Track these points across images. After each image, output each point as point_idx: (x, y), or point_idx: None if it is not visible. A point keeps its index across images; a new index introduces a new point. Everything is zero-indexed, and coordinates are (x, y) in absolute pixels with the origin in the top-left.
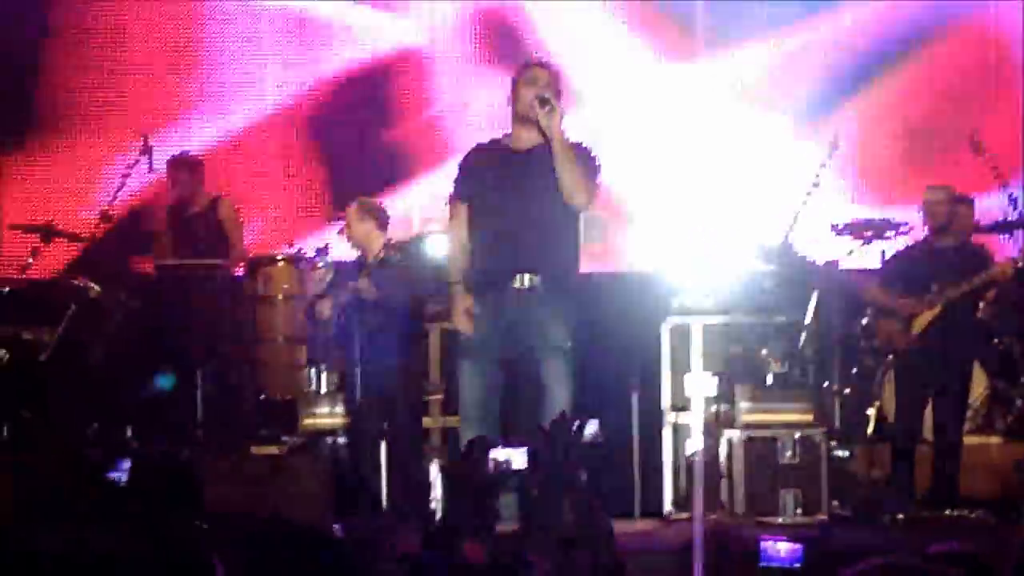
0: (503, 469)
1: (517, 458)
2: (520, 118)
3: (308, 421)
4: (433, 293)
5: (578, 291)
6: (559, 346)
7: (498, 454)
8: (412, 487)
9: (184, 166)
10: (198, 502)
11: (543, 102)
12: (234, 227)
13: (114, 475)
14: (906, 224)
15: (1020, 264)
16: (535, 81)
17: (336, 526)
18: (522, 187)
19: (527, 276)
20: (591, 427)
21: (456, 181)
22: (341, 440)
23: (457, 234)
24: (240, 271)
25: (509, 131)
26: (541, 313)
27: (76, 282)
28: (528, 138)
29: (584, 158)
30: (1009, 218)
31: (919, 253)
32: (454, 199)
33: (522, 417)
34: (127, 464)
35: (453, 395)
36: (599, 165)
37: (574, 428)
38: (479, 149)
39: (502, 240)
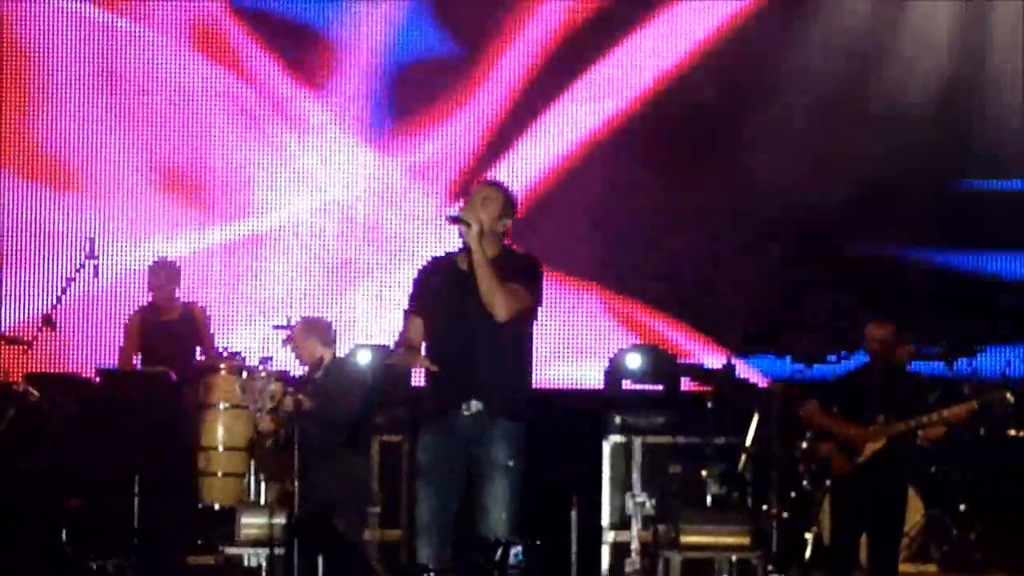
0: None
1: None
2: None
3: (247, 531)
4: (368, 407)
5: (526, 409)
6: (503, 465)
7: None
8: None
9: (163, 270)
10: None
11: (453, 220)
12: (206, 331)
13: None
14: (844, 353)
15: (976, 405)
16: (468, 199)
17: None
18: (467, 307)
19: (474, 402)
20: (515, 552)
21: (410, 296)
22: (279, 551)
23: (406, 337)
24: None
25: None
26: (489, 434)
27: (16, 387)
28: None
29: (516, 268)
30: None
31: (862, 380)
32: (408, 314)
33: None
34: None
35: (392, 508)
36: (539, 272)
37: (499, 553)
38: (433, 264)
39: (450, 363)
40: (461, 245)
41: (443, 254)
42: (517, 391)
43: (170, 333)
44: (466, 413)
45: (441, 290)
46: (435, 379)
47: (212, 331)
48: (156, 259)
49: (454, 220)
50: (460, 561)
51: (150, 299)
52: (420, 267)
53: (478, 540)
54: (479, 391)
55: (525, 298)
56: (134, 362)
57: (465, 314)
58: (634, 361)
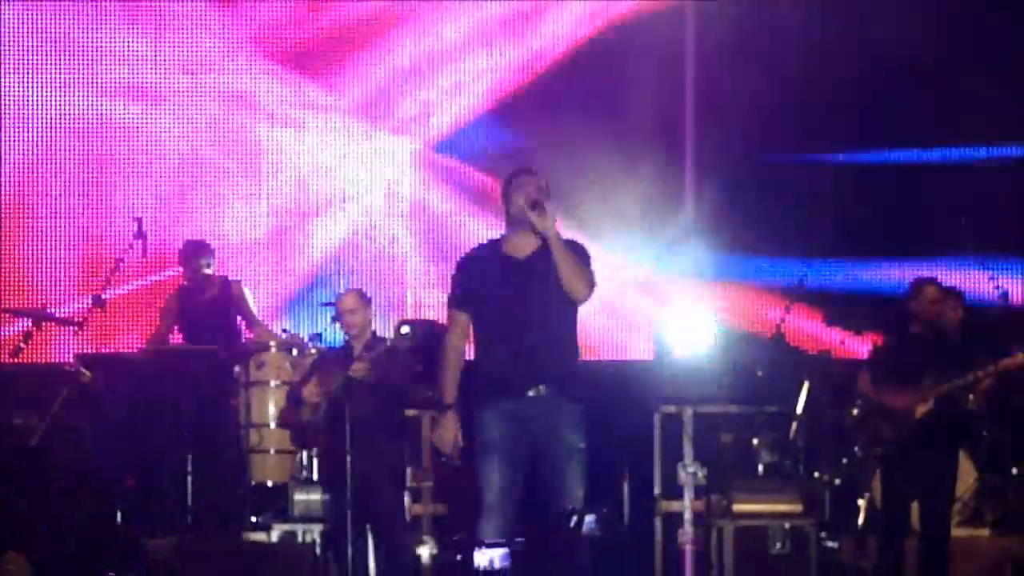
0: (487, 570)
1: (499, 559)
2: (515, 222)
3: (299, 507)
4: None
5: (584, 389)
6: (576, 448)
7: (481, 557)
8: (399, 573)
9: (198, 252)
10: None
11: (534, 205)
12: (249, 307)
13: None
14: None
15: (1021, 357)
16: (524, 186)
17: None
18: (527, 296)
19: (541, 387)
20: (589, 520)
21: (455, 287)
22: (331, 526)
23: (454, 345)
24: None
25: (503, 235)
26: (556, 418)
27: (68, 367)
28: (526, 244)
29: (577, 252)
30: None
31: (909, 345)
32: (453, 306)
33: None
34: None
35: (443, 482)
36: (590, 256)
37: (574, 521)
38: (477, 255)
39: (512, 350)
40: (505, 232)
41: (481, 244)
42: (576, 373)
43: (209, 311)
44: (532, 395)
45: (494, 279)
46: (498, 362)
47: (254, 308)
48: (186, 240)
49: (537, 207)
50: (531, 531)
51: (186, 280)
52: (462, 259)
53: (553, 511)
54: (545, 375)
55: (593, 280)
56: (171, 340)
57: (526, 300)
58: (680, 330)
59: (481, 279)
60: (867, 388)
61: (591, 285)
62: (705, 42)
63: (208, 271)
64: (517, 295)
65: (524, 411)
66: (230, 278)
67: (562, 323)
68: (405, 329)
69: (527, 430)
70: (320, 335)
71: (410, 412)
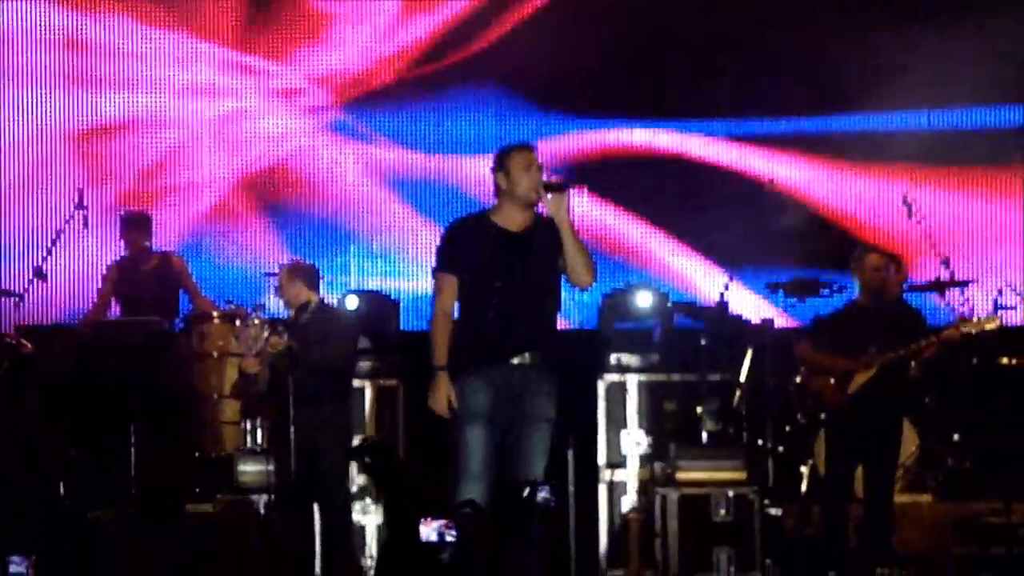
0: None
1: (448, 534)
2: (514, 198)
3: (244, 478)
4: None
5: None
6: (547, 418)
7: (428, 531)
8: (340, 542)
9: (136, 224)
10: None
11: (549, 188)
12: (189, 279)
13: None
14: (837, 283)
15: (963, 327)
16: (531, 164)
17: None
18: (523, 269)
19: (526, 354)
20: (543, 492)
21: (443, 253)
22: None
23: (443, 307)
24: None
25: (491, 207)
26: (536, 387)
27: (8, 339)
28: (523, 219)
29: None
30: (942, 279)
31: (853, 314)
32: (442, 270)
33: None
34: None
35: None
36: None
37: (528, 492)
38: (467, 224)
39: (501, 319)
40: (494, 204)
41: (468, 215)
42: (555, 346)
43: (148, 283)
44: (516, 362)
45: (487, 249)
46: (485, 329)
47: (194, 279)
48: (125, 211)
49: (554, 189)
50: (496, 502)
51: (126, 251)
52: (451, 227)
53: (515, 482)
54: (532, 344)
55: (596, 268)
56: (109, 313)
57: (518, 272)
58: (627, 300)
59: (471, 247)
60: (808, 355)
61: (595, 273)
62: None
63: (147, 243)
64: (509, 266)
65: (508, 378)
66: (170, 251)
67: (549, 297)
68: (353, 302)
69: (508, 398)
70: (263, 305)
71: (357, 383)
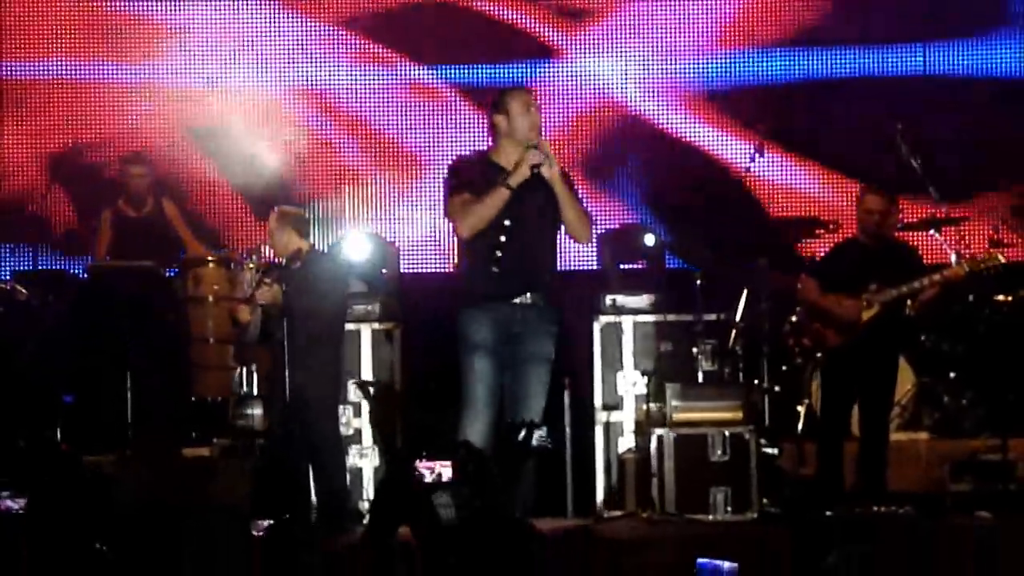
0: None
1: (446, 472)
2: (513, 139)
3: (239, 422)
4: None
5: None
6: (548, 357)
7: (425, 468)
8: (335, 487)
9: (137, 163)
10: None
11: (538, 154)
12: (184, 224)
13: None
14: (835, 224)
15: (967, 266)
16: (529, 106)
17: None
18: (525, 209)
19: (528, 294)
20: (540, 433)
21: (456, 177)
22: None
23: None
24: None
25: (492, 147)
26: (537, 325)
27: (4, 285)
28: (519, 156)
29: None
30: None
31: (853, 253)
32: (462, 191)
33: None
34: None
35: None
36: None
37: (525, 434)
38: (471, 161)
39: (505, 258)
40: (492, 144)
41: (470, 153)
42: (555, 285)
43: (144, 229)
44: (518, 302)
45: (490, 188)
46: (489, 267)
47: (187, 224)
48: (129, 153)
49: (544, 157)
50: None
51: (123, 195)
52: (457, 161)
53: (512, 423)
54: (533, 283)
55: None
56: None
57: (521, 214)
58: (623, 240)
59: (476, 181)
60: (812, 294)
61: (591, 229)
62: None
63: (143, 181)
64: (514, 207)
65: (511, 316)
66: (163, 195)
67: (550, 236)
68: (355, 244)
69: (510, 336)
70: (258, 250)
71: (353, 326)
